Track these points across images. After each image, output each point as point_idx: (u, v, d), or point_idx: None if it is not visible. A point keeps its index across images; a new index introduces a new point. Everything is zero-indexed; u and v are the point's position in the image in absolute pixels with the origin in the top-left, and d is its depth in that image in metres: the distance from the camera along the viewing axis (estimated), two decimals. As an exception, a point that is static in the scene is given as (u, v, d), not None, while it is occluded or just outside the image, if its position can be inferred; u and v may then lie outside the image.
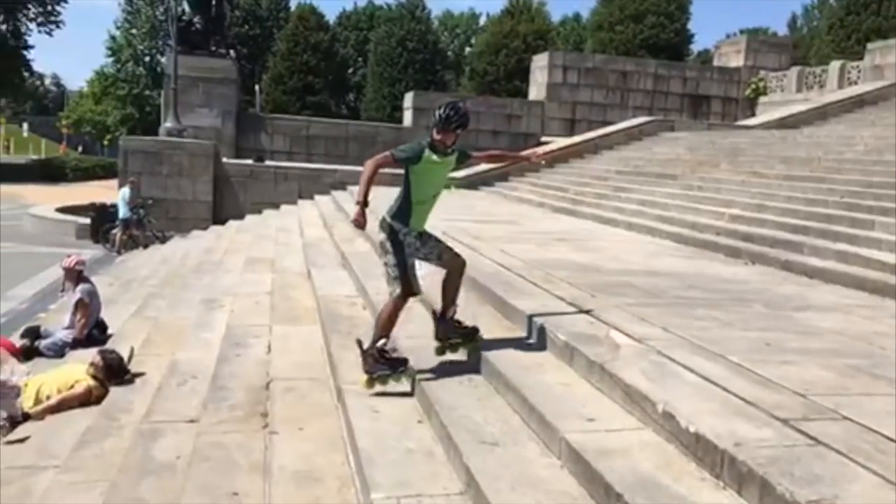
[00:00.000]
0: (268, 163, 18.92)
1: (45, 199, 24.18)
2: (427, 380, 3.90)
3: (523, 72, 27.62)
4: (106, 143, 50.95)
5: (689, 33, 38.07)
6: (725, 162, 12.44)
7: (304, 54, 36.86)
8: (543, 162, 5.63)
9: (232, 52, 24.34)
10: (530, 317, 4.32)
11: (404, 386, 4.07)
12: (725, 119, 23.32)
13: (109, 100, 47.68)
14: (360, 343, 4.14)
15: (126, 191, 16.13)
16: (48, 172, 35.80)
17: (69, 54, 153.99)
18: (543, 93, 23.14)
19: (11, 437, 5.15)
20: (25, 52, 43.27)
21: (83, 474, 4.10)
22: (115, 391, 5.58)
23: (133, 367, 5.90)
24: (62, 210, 20.03)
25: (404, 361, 4.14)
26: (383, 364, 4.09)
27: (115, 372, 5.72)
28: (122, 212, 15.95)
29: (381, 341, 4.11)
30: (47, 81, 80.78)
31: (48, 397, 5.57)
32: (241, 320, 6.43)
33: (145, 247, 15.75)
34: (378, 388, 4.04)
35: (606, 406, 3.29)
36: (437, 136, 4.14)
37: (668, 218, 9.63)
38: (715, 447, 2.64)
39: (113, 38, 47.08)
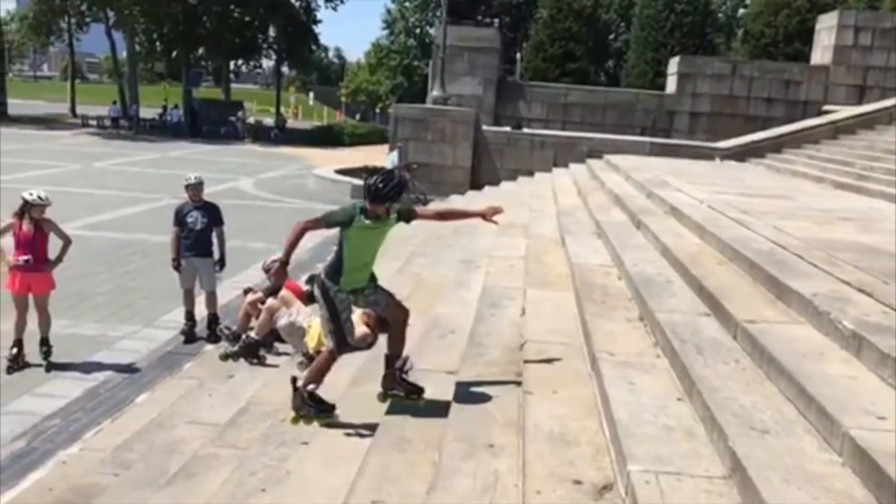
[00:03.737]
0: (525, 130, 19.18)
1: (325, 161, 26.72)
2: (688, 357, 3.73)
3: (805, 34, 25.08)
4: (378, 110, 54.96)
5: None
6: None
7: (566, 21, 36.57)
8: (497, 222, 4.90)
9: (496, 21, 24.87)
10: (810, 300, 3.94)
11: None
12: None
13: (383, 70, 51.29)
14: (294, 380, 4.44)
15: (394, 155, 17.28)
16: (328, 138, 39.35)
17: (350, 28, 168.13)
18: (829, 56, 20.79)
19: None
20: (314, 27, 47.99)
21: (355, 409, 4.50)
22: (383, 338, 6.04)
23: (399, 318, 6.34)
24: (340, 172, 21.97)
25: (331, 407, 4.39)
26: (310, 406, 4.37)
27: (383, 321, 6.19)
28: (391, 175, 17.13)
29: (311, 386, 4.37)
30: (331, 54, 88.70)
31: (329, 339, 6.17)
32: (497, 282, 6.63)
33: (409, 208, 16.79)
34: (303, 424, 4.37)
35: (901, 406, 2.91)
36: (368, 205, 4.14)
37: (984, 200, 8.26)
38: None
39: (388, 11, 50.41)
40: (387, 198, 4.12)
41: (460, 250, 8.72)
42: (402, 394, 4.41)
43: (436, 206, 5.30)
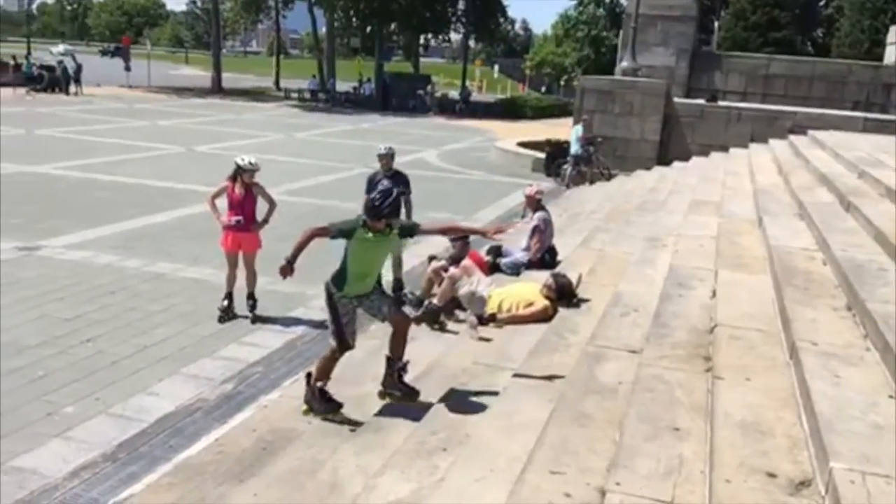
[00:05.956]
0: (720, 103, 18.13)
1: (507, 134, 26.85)
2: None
3: None
4: (562, 83, 54.18)
5: None
6: None
7: (771, -14, 34.06)
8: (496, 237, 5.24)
9: (693, -13, 23.60)
10: None
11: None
12: None
13: (569, 42, 50.35)
14: (308, 375, 4.83)
15: (579, 128, 16.95)
16: (511, 110, 39.40)
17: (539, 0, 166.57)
18: None
19: (482, 333, 5.98)
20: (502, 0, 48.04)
21: (534, 381, 4.53)
22: (562, 312, 6.03)
23: (579, 293, 6.29)
24: (522, 144, 21.97)
25: (338, 405, 4.76)
26: (319, 401, 4.78)
27: (564, 294, 6.18)
28: (574, 148, 16.85)
29: (320, 383, 4.78)
30: (517, 26, 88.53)
31: (508, 310, 6.26)
32: (684, 261, 6.35)
33: (591, 183, 16.48)
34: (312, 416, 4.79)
35: None
36: (368, 220, 4.48)
37: None
38: None
39: (579, -20, 49.28)
40: (382, 214, 4.48)
41: (645, 227, 8.46)
42: (398, 394, 4.75)
43: (431, 227, 5.66)
